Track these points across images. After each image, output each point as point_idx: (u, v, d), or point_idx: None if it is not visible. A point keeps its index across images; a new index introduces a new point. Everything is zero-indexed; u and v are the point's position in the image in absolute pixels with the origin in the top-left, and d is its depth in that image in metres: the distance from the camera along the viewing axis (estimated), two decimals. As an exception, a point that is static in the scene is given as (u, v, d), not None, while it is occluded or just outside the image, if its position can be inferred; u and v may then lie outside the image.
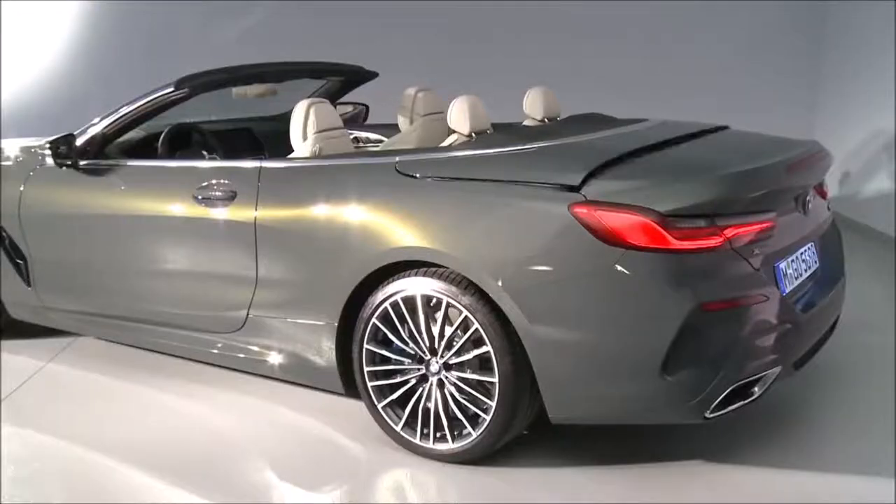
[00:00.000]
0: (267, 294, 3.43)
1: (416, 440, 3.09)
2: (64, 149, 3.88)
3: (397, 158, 3.22)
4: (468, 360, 2.96)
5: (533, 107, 4.27)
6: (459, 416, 3.00)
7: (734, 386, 2.76)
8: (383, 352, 3.13)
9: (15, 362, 4.16)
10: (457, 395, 3.00)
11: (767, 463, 3.01)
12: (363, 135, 4.77)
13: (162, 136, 4.15)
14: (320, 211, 3.26)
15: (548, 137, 3.41)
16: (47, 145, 3.93)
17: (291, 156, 3.67)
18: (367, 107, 5.30)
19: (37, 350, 4.29)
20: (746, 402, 2.86)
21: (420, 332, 3.03)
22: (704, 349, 2.69)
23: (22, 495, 2.98)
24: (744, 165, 3.17)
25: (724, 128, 3.76)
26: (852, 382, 3.71)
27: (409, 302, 3.02)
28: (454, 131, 3.81)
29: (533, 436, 3.13)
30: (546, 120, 4.21)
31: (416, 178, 3.09)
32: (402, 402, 3.12)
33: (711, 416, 2.79)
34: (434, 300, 2.97)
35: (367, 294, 3.12)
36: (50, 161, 3.98)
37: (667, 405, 2.78)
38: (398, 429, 3.13)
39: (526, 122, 4.32)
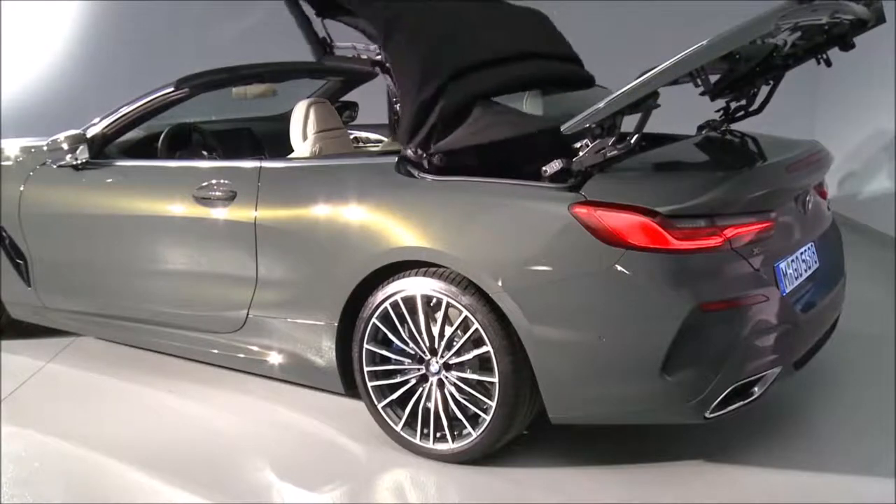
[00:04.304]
0: (267, 294, 3.43)
1: (416, 440, 3.09)
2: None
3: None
4: (468, 360, 2.96)
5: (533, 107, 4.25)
6: (459, 416, 3.00)
7: (734, 386, 2.76)
8: (383, 352, 3.13)
9: (15, 362, 4.16)
10: (457, 395, 3.00)
11: (768, 463, 3.01)
12: (363, 135, 4.77)
13: (162, 136, 4.15)
14: (320, 211, 3.26)
15: None
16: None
17: (291, 156, 3.67)
18: (356, 105, 5.28)
19: (37, 350, 4.29)
20: (746, 402, 2.86)
21: (420, 332, 3.03)
22: (704, 349, 2.69)
23: (22, 495, 2.98)
24: (744, 165, 3.18)
25: (724, 126, 3.76)
26: (852, 382, 3.71)
27: (409, 302, 3.02)
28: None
29: (533, 436, 3.13)
30: (546, 120, 4.19)
31: (415, 177, 3.09)
32: (402, 402, 3.12)
33: (711, 416, 2.79)
34: (434, 300, 2.97)
35: (367, 294, 3.12)
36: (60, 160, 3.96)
37: (667, 405, 2.78)
38: (398, 429, 3.13)
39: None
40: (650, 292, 2.67)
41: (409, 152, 3.09)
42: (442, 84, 3.01)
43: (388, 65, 3.12)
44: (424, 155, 3.04)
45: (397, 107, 3.18)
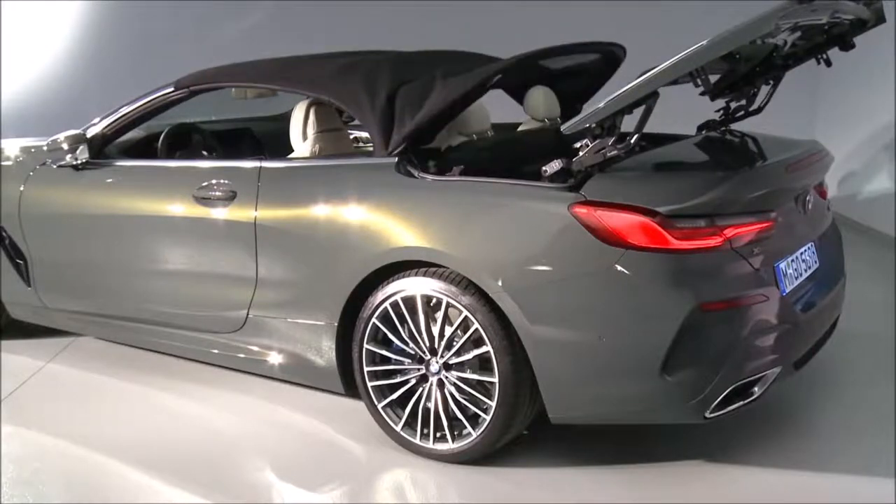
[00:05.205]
0: (267, 294, 3.43)
1: (416, 440, 3.09)
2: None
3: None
4: (468, 360, 2.96)
5: (533, 107, 4.25)
6: (459, 416, 3.00)
7: (734, 386, 2.76)
8: (383, 352, 3.13)
9: (15, 362, 4.16)
10: (457, 395, 3.00)
11: (767, 463, 3.01)
12: (363, 135, 4.77)
13: (162, 136, 4.15)
14: (320, 211, 3.26)
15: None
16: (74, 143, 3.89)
17: (291, 156, 3.67)
18: None
19: (37, 350, 4.29)
20: (746, 402, 2.86)
21: (420, 332, 3.03)
22: (704, 349, 2.69)
23: (22, 495, 2.98)
24: (744, 165, 3.18)
25: (724, 126, 3.76)
26: (852, 382, 3.71)
27: (409, 302, 3.02)
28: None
29: (533, 436, 3.13)
30: (546, 121, 4.20)
31: (415, 177, 3.09)
32: (402, 402, 3.12)
33: (711, 416, 2.79)
34: (434, 300, 2.97)
35: (367, 294, 3.12)
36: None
37: (667, 405, 2.78)
38: (398, 429, 3.13)
39: (525, 123, 4.32)
40: (650, 292, 2.67)
41: (398, 151, 3.17)
42: (392, 91, 3.23)
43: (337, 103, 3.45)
44: (408, 141, 3.15)
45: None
